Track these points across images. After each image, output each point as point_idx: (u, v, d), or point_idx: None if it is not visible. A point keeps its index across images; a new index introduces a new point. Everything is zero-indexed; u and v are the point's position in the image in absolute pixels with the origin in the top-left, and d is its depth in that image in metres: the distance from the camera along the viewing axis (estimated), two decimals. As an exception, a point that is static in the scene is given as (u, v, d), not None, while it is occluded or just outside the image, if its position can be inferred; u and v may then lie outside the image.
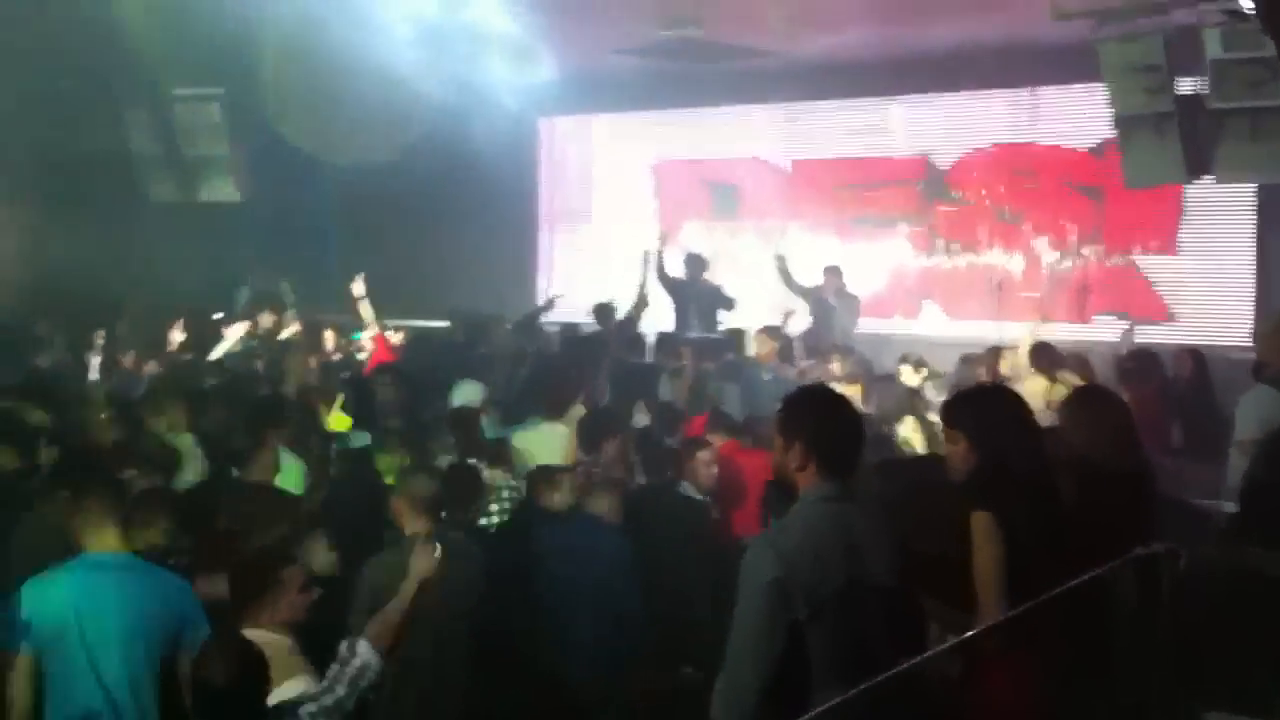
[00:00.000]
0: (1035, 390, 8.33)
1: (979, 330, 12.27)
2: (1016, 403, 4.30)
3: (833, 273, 12.60)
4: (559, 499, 5.77)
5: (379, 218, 15.35)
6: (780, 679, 3.47)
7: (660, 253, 12.57)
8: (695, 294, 12.49)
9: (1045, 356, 9.31)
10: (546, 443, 7.23)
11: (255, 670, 3.44)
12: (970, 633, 3.60)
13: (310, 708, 3.70)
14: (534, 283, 16.28)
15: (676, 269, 12.82)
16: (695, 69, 13.27)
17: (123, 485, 4.86)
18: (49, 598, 4.26)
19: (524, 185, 16.25)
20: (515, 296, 14.55)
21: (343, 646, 4.00)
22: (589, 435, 6.95)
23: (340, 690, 3.84)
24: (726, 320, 12.34)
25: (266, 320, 12.07)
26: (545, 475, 5.97)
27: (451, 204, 14.90)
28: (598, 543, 5.61)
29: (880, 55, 12.93)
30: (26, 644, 4.20)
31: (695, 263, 12.82)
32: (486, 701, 4.93)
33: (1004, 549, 3.85)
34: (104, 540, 4.39)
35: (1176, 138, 9.76)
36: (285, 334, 11.84)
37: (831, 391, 4.17)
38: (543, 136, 16.39)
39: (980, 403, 4.35)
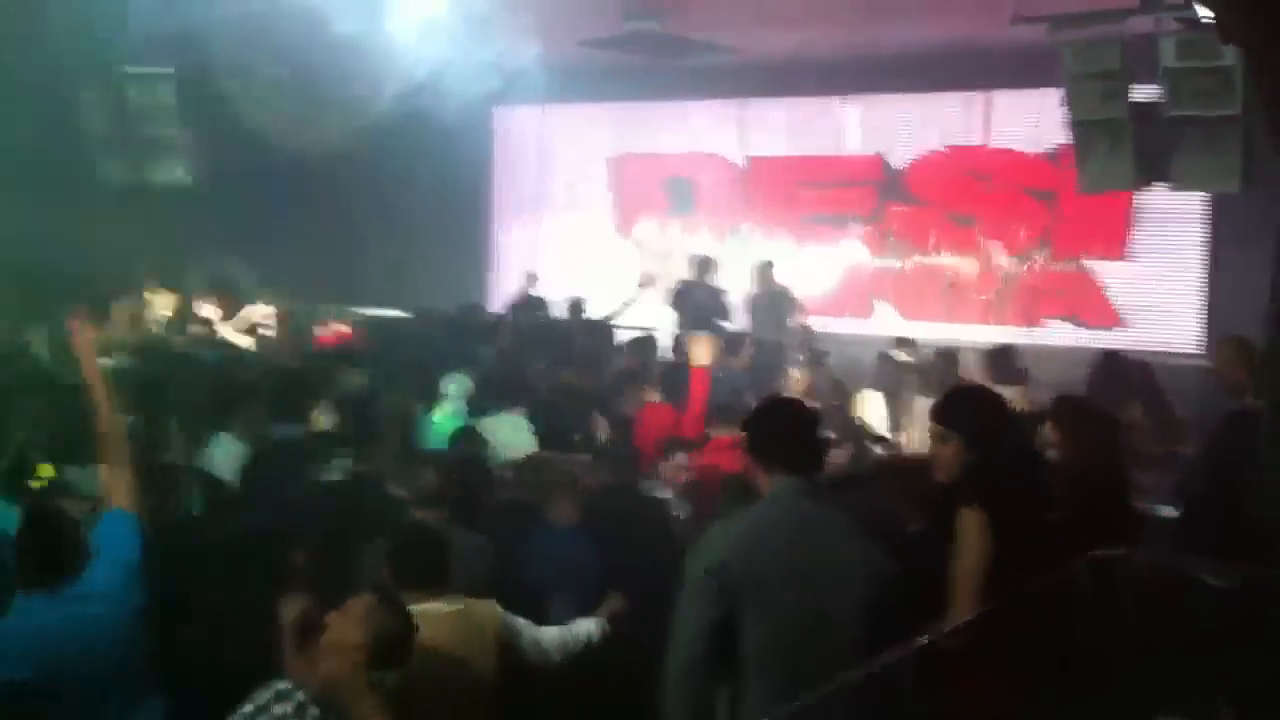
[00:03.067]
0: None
1: (931, 331, 12.34)
2: (1005, 404, 4.44)
3: (764, 268, 12.62)
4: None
5: (332, 205, 15.21)
6: (721, 665, 3.64)
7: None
8: (697, 295, 12.32)
9: (1004, 364, 9.13)
10: (513, 432, 7.19)
11: None
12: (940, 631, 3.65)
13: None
14: (487, 273, 16.19)
15: (682, 270, 12.76)
16: (654, 62, 13.23)
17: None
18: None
19: (478, 174, 16.15)
20: (468, 287, 14.45)
21: None
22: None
23: None
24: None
25: (215, 305, 11.91)
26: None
27: (405, 192, 14.79)
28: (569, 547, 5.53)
29: (838, 54, 12.97)
30: None
31: (703, 265, 12.64)
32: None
33: (991, 549, 3.89)
34: None
35: (1130, 145, 9.83)
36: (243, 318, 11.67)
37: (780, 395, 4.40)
38: (497, 126, 16.28)
39: (974, 403, 4.40)
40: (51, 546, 3.97)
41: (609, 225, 15.59)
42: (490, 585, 4.84)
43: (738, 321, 12.17)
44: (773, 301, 12.36)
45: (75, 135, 14.25)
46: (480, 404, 8.01)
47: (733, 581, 3.64)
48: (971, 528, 3.93)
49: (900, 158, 13.88)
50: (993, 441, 4.12)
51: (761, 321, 12.02)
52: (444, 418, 7.86)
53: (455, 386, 8.14)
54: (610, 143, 15.57)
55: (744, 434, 4.01)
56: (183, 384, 7.79)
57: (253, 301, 12.18)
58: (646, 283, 11.89)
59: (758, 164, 14.74)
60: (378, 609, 3.56)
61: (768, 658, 3.65)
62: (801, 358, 10.16)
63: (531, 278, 13.71)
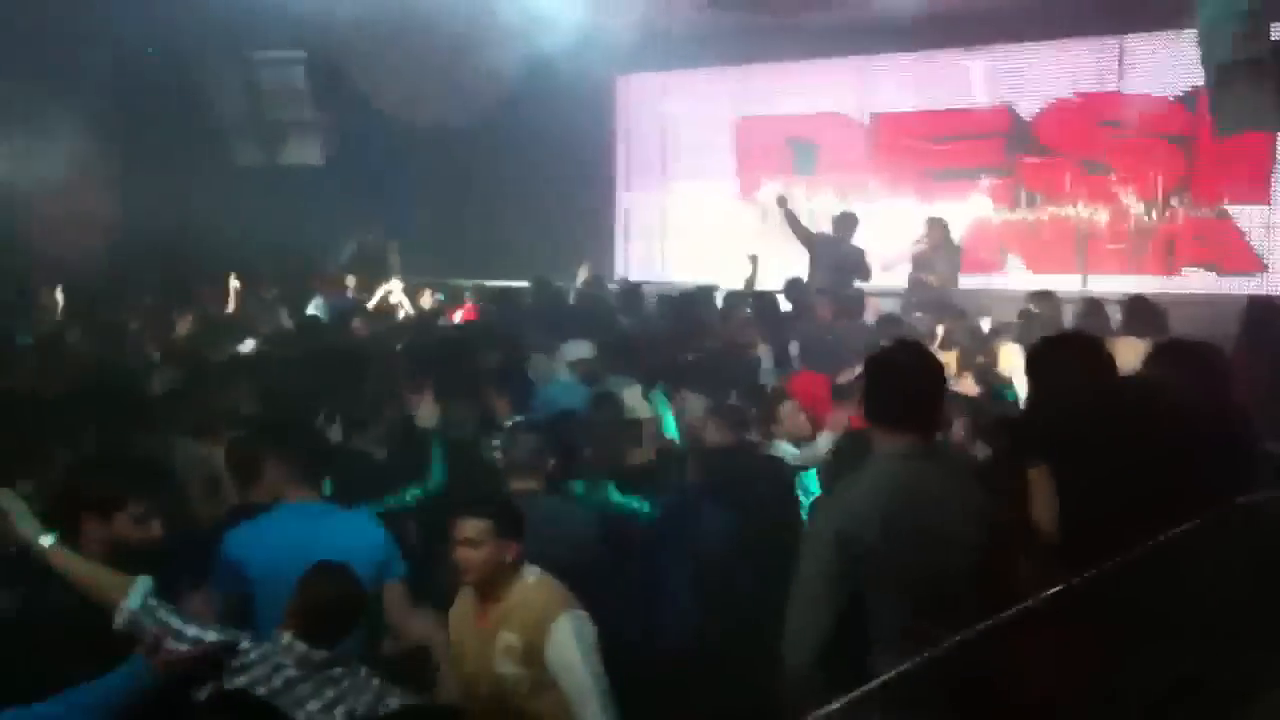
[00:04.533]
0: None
1: (1063, 284, 12.10)
2: (1087, 351, 4.17)
3: (935, 224, 12.41)
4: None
5: (458, 179, 15.46)
6: (841, 635, 3.36)
7: (788, 208, 12.41)
8: (836, 253, 12.15)
9: (1141, 316, 8.74)
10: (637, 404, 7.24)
11: None
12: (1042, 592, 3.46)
13: None
14: (612, 242, 16.31)
15: (823, 225, 12.65)
16: (774, 23, 13.16)
17: (324, 440, 5.17)
18: (259, 542, 4.48)
19: (601, 144, 16.24)
20: (593, 256, 14.57)
21: None
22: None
23: None
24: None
25: (362, 281, 12.20)
26: None
27: (529, 164, 14.95)
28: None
29: (961, 5, 12.74)
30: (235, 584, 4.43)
31: (845, 221, 12.47)
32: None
33: (1057, 502, 3.74)
34: (302, 491, 4.67)
35: (1272, 85, 9.50)
36: (388, 295, 11.95)
37: (900, 345, 3.98)
38: (621, 94, 16.35)
39: (1047, 351, 4.23)
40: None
41: (732, 189, 15.56)
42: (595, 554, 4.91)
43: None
44: (945, 258, 12.20)
45: (211, 120, 14.73)
46: (606, 372, 8.07)
47: (859, 554, 3.35)
48: (1038, 483, 3.79)
49: (1029, 108, 13.59)
50: (1062, 391, 3.93)
51: (837, 271, 11.79)
52: (563, 385, 7.91)
53: (574, 351, 8.26)
54: (733, 106, 15.52)
55: (860, 388, 3.74)
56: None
57: (388, 279, 12.48)
58: (755, 262, 11.75)
59: (882, 121, 14.57)
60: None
61: (893, 637, 3.35)
62: (939, 312, 10.05)
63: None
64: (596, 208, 16.19)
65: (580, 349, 8.30)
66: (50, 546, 3.80)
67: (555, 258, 13.39)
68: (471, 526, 4.14)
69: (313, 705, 3.56)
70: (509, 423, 6.37)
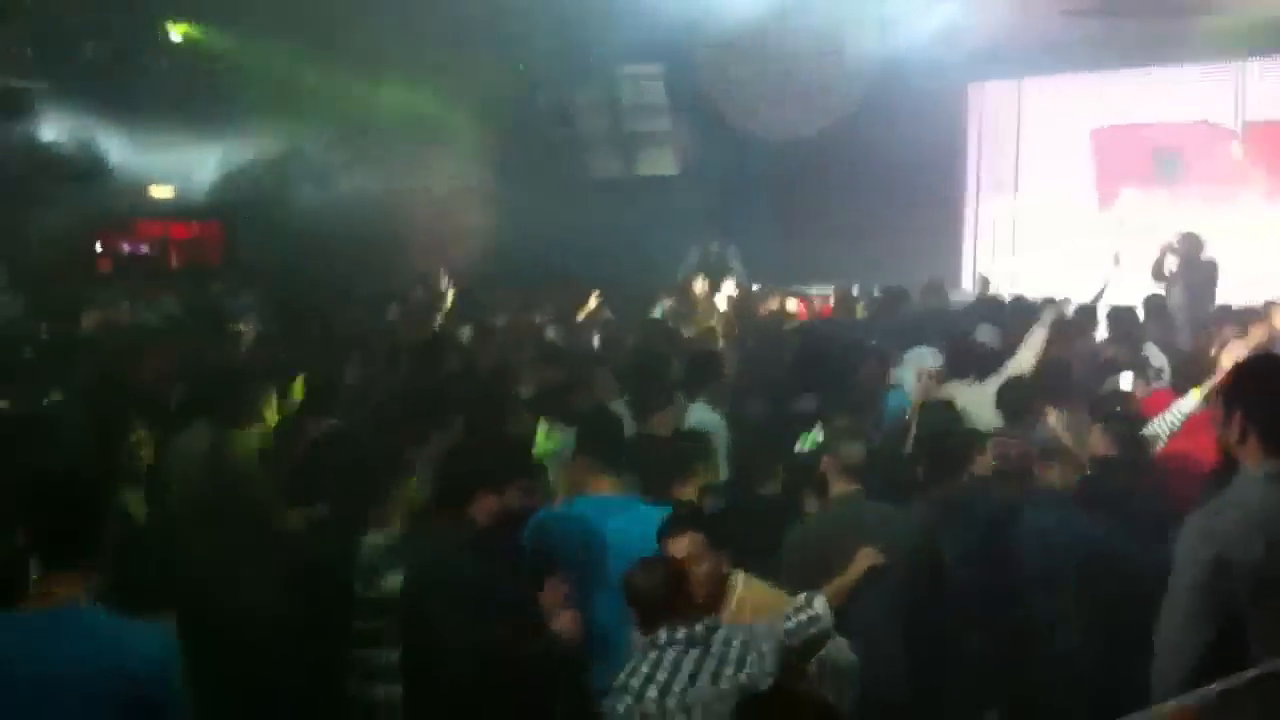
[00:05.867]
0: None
1: None
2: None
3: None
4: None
5: (808, 187, 15.64)
6: (1218, 663, 3.12)
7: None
8: (1191, 275, 11.70)
9: None
10: (980, 403, 7.18)
11: None
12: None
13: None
14: (962, 250, 16.10)
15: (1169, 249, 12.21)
16: (1136, 27, 12.69)
17: (622, 438, 5.37)
18: (567, 530, 4.79)
19: (953, 152, 16.07)
20: (943, 264, 14.44)
21: (802, 597, 4.20)
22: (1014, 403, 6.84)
23: (791, 625, 4.06)
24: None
25: (700, 286, 12.58)
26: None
27: (880, 172, 14.96)
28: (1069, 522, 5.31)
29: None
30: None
31: (1192, 242, 12.00)
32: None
33: None
34: (603, 484, 4.94)
35: None
36: (723, 297, 12.28)
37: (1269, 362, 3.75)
38: (972, 102, 16.13)
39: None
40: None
41: (1088, 199, 15.07)
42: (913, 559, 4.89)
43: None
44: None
45: (573, 133, 15.50)
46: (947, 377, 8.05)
47: (1242, 574, 3.16)
48: None
49: None
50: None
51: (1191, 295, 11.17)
52: (904, 394, 7.92)
53: (917, 358, 8.25)
54: (1090, 114, 15.03)
55: (1238, 397, 3.41)
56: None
57: (739, 284, 12.80)
58: (1118, 260, 11.33)
59: (1257, 130, 13.77)
60: None
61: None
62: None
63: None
64: (945, 216, 16.03)
65: (925, 356, 8.31)
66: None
67: (902, 266, 13.35)
68: (685, 542, 4.11)
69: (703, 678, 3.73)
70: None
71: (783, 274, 14.08)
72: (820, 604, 4.07)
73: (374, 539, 4.70)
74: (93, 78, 14.19)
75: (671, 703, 3.65)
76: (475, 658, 4.01)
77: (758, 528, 5.10)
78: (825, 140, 14.19)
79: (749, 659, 3.73)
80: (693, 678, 3.70)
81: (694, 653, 3.74)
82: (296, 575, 4.62)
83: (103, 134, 14.78)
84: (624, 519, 4.71)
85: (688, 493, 5.12)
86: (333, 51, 13.59)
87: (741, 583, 4.29)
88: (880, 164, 14.84)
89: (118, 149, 14.93)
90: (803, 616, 4.00)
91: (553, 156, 15.30)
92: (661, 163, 14.79)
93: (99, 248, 16.42)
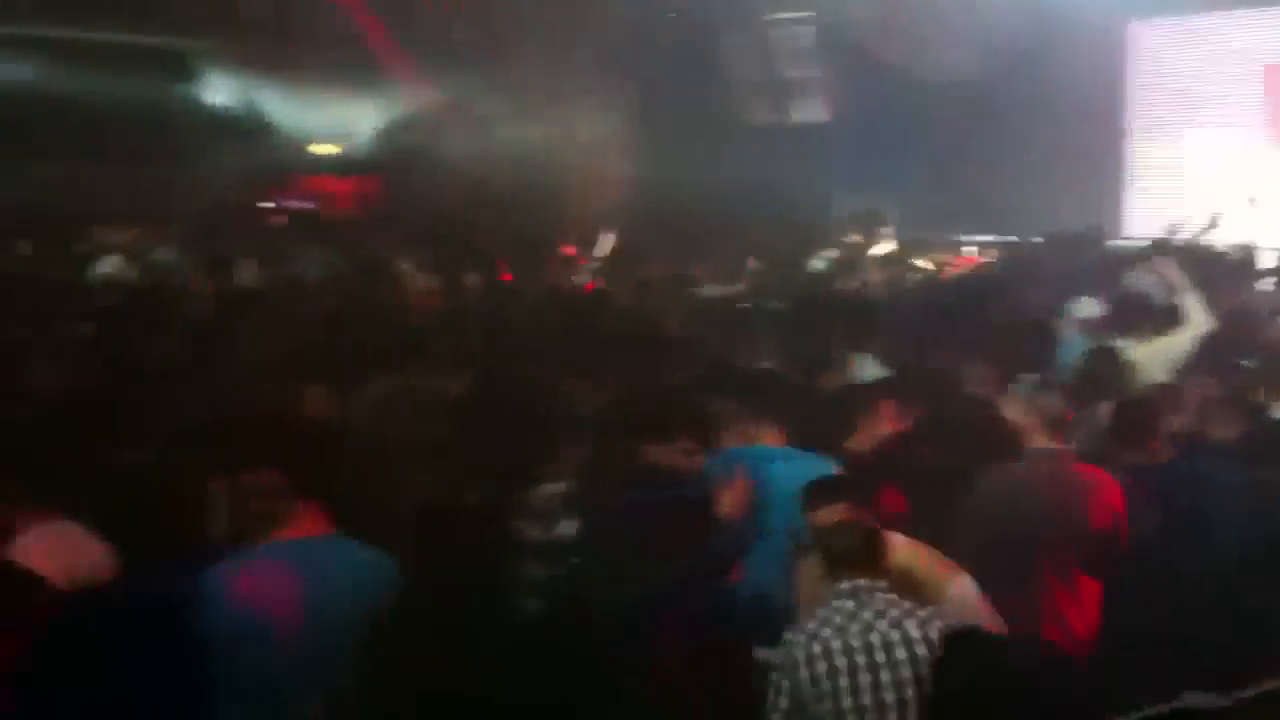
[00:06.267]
0: None
1: None
2: None
3: None
4: None
5: (964, 133, 15.35)
6: None
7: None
8: None
9: None
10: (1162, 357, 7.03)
11: None
12: None
13: None
14: (1122, 196, 15.65)
15: None
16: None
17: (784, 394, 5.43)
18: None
19: (1114, 94, 15.59)
20: (1104, 210, 14.07)
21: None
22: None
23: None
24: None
25: (856, 237, 12.49)
26: None
27: (1039, 117, 14.60)
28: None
29: None
30: None
31: None
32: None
33: None
34: (765, 438, 5.05)
35: None
36: (878, 250, 12.17)
37: None
38: (1132, 41, 15.59)
39: None
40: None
41: (1261, 138, 14.48)
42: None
43: None
44: None
45: (722, 80, 15.45)
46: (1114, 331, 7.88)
47: None
48: None
49: None
50: None
51: None
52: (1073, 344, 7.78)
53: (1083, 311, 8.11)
54: (1262, 52, 14.41)
55: None
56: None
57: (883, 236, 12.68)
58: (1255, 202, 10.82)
59: None
60: None
61: None
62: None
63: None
64: (1106, 161, 15.57)
65: (1090, 306, 8.17)
66: None
67: (1061, 213, 13.04)
68: (834, 513, 4.15)
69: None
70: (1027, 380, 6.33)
71: (940, 223, 13.88)
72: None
73: (550, 487, 4.82)
74: (254, 35, 14.59)
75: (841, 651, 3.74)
76: (639, 606, 4.10)
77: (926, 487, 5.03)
78: (982, 85, 13.89)
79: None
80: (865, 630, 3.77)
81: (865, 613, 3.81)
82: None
83: (265, 91, 15.23)
84: (786, 466, 4.78)
85: (857, 445, 5.16)
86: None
87: (899, 545, 4.25)
88: (1039, 108, 14.49)
89: (279, 106, 15.38)
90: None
91: (701, 105, 15.26)
92: (813, 109, 14.64)
93: (263, 203, 16.91)
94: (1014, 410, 5.32)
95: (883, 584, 3.88)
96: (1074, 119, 14.73)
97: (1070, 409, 5.38)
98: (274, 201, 16.87)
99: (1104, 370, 6.45)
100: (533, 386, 6.00)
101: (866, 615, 3.78)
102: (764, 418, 5.09)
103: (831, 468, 4.87)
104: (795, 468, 4.77)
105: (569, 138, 15.17)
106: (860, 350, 7.02)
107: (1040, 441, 5.11)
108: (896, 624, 3.78)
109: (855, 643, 3.72)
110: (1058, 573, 4.81)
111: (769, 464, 4.82)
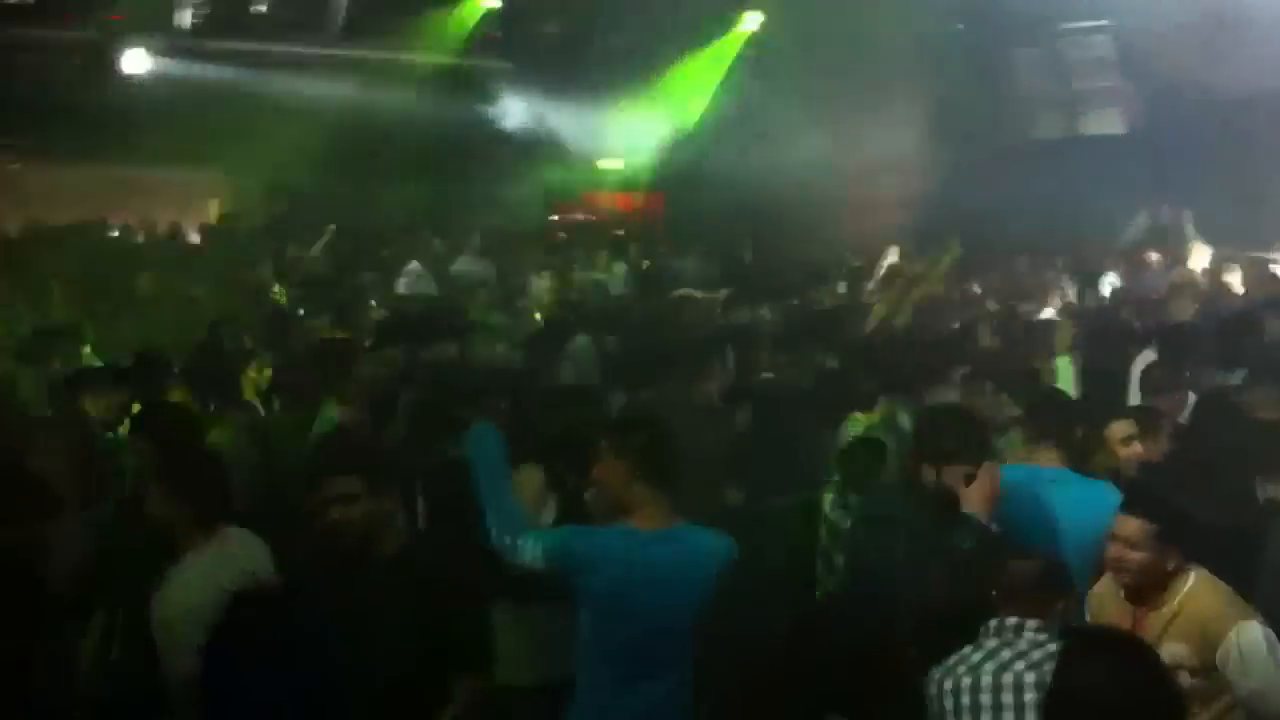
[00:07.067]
0: None
1: None
2: None
3: None
4: None
5: (1266, 146, 14.51)
6: None
7: None
8: None
9: None
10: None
11: None
12: None
13: None
14: None
15: None
16: None
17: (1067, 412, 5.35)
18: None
19: None
20: None
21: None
22: None
23: None
24: None
25: (1152, 254, 12.01)
26: None
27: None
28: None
29: None
30: None
31: None
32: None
33: None
34: (1043, 456, 4.94)
35: None
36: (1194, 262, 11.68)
37: None
38: None
39: None
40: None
41: None
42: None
43: None
44: None
45: (1012, 92, 15.10)
46: None
47: None
48: None
49: None
50: None
51: None
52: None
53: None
54: None
55: None
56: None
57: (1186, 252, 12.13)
58: None
59: None
60: None
61: None
62: None
63: None
64: None
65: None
66: None
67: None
68: (1133, 526, 3.95)
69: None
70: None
71: (1241, 238, 13.15)
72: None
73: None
74: (552, 58, 15.18)
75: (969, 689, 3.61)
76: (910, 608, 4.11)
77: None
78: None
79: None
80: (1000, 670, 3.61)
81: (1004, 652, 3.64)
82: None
83: (558, 111, 15.82)
84: (1063, 491, 4.67)
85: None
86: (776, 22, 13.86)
87: (1193, 582, 4.00)
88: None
89: (572, 125, 15.94)
90: None
91: (992, 119, 14.93)
92: (1108, 122, 14.11)
93: (553, 218, 17.56)
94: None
95: (1034, 622, 3.66)
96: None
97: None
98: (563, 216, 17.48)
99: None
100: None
101: (1005, 654, 3.63)
102: (1045, 437, 4.96)
103: (1118, 496, 4.72)
104: (1076, 492, 4.68)
105: (849, 153, 15.09)
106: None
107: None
108: (1035, 666, 3.59)
109: (986, 680, 3.59)
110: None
111: (1049, 486, 4.72)
